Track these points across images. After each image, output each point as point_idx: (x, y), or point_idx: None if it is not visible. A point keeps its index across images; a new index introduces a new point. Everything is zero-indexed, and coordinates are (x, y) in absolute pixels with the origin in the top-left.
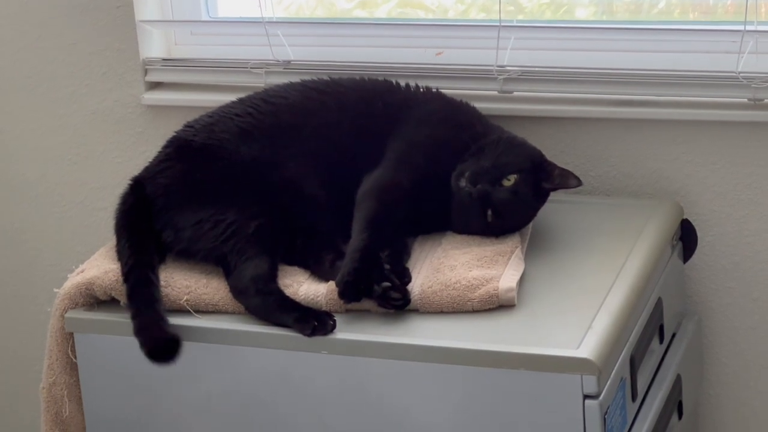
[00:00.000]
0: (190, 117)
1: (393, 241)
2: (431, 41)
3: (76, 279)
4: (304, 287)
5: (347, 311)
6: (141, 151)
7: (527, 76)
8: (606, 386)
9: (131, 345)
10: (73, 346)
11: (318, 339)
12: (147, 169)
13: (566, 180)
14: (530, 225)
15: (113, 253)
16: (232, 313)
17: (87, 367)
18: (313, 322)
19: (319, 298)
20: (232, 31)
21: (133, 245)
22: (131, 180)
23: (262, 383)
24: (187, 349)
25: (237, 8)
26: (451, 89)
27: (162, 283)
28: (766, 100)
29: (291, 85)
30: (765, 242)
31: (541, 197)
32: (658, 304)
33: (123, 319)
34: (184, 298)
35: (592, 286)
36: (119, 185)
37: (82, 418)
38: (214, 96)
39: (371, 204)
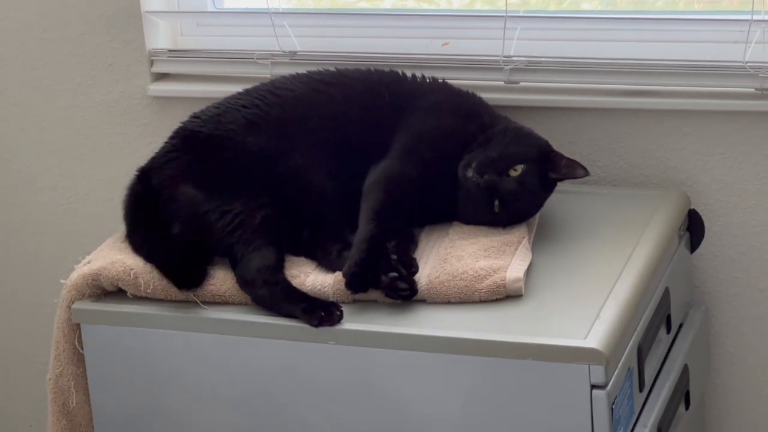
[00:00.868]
0: (197, 108)
1: (400, 231)
2: (437, 32)
3: (82, 270)
4: (311, 278)
5: (354, 302)
6: (147, 142)
7: (534, 67)
8: (613, 376)
9: (138, 336)
10: (79, 337)
11: (325, 329)
12: (153, 160)
13: (573, 170)
14: (537, 215)
15: (120, 244)
16: (239, 304)
17: (94, 358)
18: (320, 312)
19: (326, 289)
20: (238, 22)
21: (155, 237)
22: (138, 171)
23: (269, 374)
24: (194, 339)
25: None
26: (457, 80)
27: None
28: None
29: (297, 77)
30: None
31: (548, 187)
32: (666, 294)
33: (130, 310)
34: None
35: (599, 276)
36: (125, 176)
37: (88, 409)
38: (220, 87)
39: (378, 195)
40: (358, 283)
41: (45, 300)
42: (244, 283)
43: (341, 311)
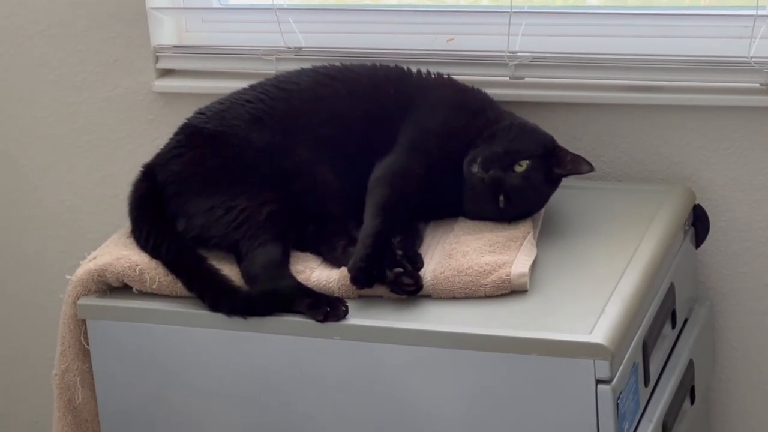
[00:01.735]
0: (201, 104)
1: (405, 226)
2: (442, 27)
3: (88, 266)
4: (316, 273)
5: (359, 297)
6: (152, 138)
7: (538, 62)
8: (618, 371)
9: (144, 331)
10: (85, 332)
11: (330, 325)
12: (158, 156)
13: (578, 165)
14: (542, 211)
15: (125, 240)
16: None
17: (99, 353)
18: (325, 307)
19: (331, 284)
20: (243, 18)
21: (161, 233)
22: (143, 167)
23: (275, 369)
24: (200, 335)
25: None
26: (462, 75)
27: None
28: None
29: (302, 72)
30: None
31: (553, 183)
32: (671, 289)
33: (135, 306)
34: None
35: (604, 271)
36: (130, 172)
37: (94, 405)
38: (225, 83)
39: (383, 190)
40: (363, 278)
41: (51, 296)
42: (249, 278)
43: (346, 306)
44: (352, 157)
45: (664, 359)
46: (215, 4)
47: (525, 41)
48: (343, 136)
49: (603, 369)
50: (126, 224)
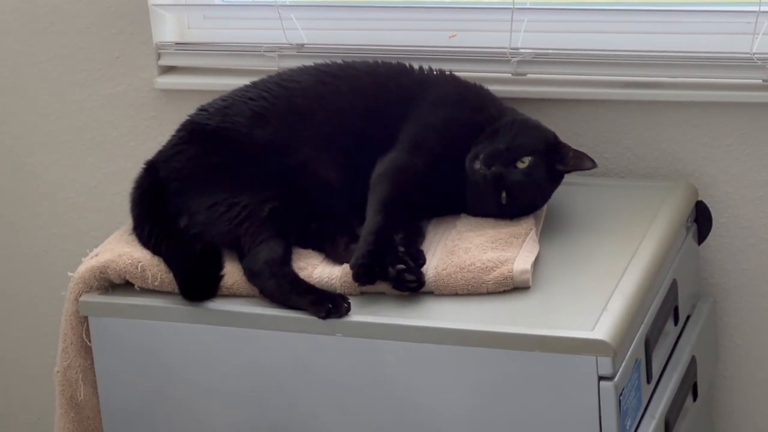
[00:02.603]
0: (204, 101)
1: (407, 223)
2: (444, 24)
3: (90, 263)
4: (318, 270)
5: (362, 294)
6: (154, 135)
7: (541, 59)
8: (621, 368)
9: (146, 328)
10: (87, 329)
11: (332, 321)
12: (161, 153)
13: (580, 162)
14: (545, 207)
15: (127, 237)
16: (247, 296)
17: (101, 350)
18: (327, 304)
19: (333, 281)
20: (245, 15)
21: (162, 229)
22: (145, 164)
23: (277, 366)
24: (202, 332)
25: None
26: (464, 72)
27: None
28: None
29: (304, 69)
30: None
31: (555, 179)
32: (673, 285)
33: (137, 303)
34: None
35: (606, 268)
36: (133, 170)
37: (96, 401)
38: (227, 80)
39: (385, 186)
40: (365, 275)
41: (53, 293)
42: (251, 275)
43: (349, 303)
44: (354, 154)
45: (667, 356)
46: (217, 1)
47: (527, 38)
48: (345, 133)
49: (605, 365)
50: (128, 221)
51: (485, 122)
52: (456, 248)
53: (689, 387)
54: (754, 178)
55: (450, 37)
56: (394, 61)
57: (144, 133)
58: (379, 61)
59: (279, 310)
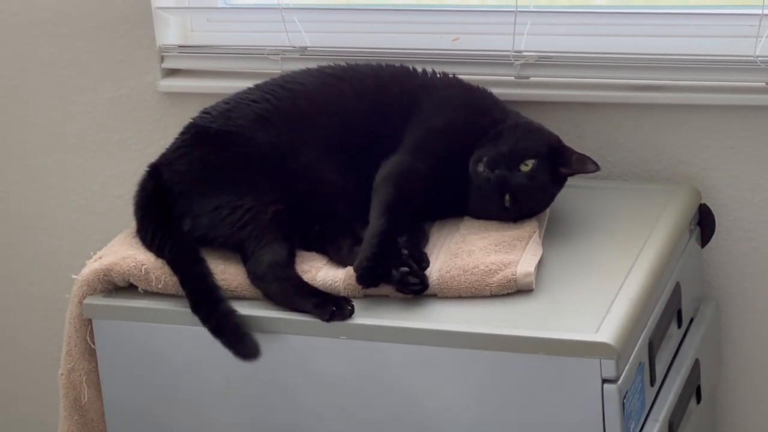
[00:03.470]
0: (207, 104)
1: (411, 226)
2: (448, 27)
3: (94, 265)
4: (322, 273)
5: (365, 296)
6: (158, 138)
7: (544, 62)
8: (624, 370)
9: (149, 331)
10: (91, 332)
11: (336, 324)
12: (164, 156)
13: (584, 165)
14: (548, 210)
15: (131, 239)
16: (250, 299)
17: (105, 353)
18: (331, 307)
19: (337, 284)
20: (248, 18)
21: (165, 233)
22: (148, 166)
23: (281, 368)
24: (205, 334)
25: None
26: (467, 75)
27: None
28: None
29: (308, 72)
30: None
31: (558, 182)
32: (677, 288)
33: (141, 305)
34: None
35: (610, 270)
36: (136, 172)
37: (100, 404)
38: (230, 83)
39: (389, 189)
40: (369, 277)
41: (57, 295)
42: (255, 278)
43: (352, 306)
44: (358, 157)
45: (670, 358)
46: (220, 4)
47: (530, 41)
48: (349, 136)
49: (609, 368)
50: (132, 224)
51: (488, 125)
52: (459, 251)
53: (693, 390)
54: (757, 181)
55: (453, 40)
56: (397, 64)
57: (147, 136)
58: (383, 63)
59: (283, 312)
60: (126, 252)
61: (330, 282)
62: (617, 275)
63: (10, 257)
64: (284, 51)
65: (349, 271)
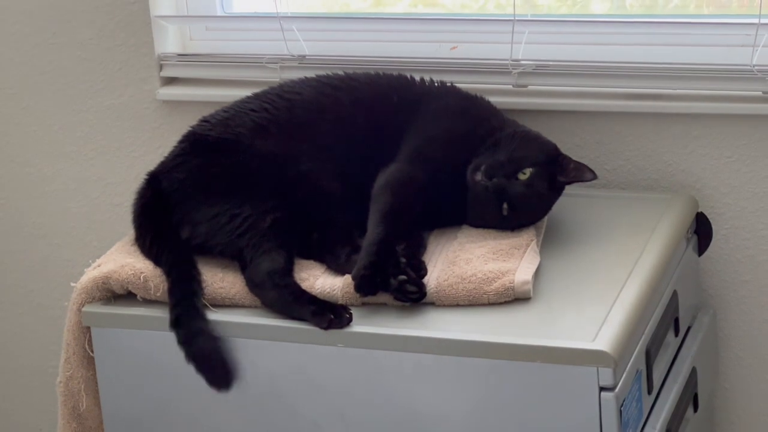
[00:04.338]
0: (206, 112)
1: (409, 234)
2: (446, 35)
3: (92, 273)
4: (320, 281)
5: (363, 304)
6: (156, 146)
7: (542, 70)
8: (622, 378)
9: (148, 338)
10: (89, 340)
11: (334, 332)
12: (163, 164)
13: (581, 173)
14: (546, 218)
15: (130, 248)
16: (249, 306)
17: (104, 360)
18: (329, 315)
19: (335, 292)
20: (246, 27)
21: (162, 241)
22: (147, 175)
23: (278, 376)
24: None
25: (252, 3)
26: (465, 83)
27: None
28: None
29: (306, 80)
30: None
31: (556, 191)
32: (674, 297)
33: (140, 313)
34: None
35: (607, 279)
36: (135, 180)
37: (99, 412)
38: (229, 91)
39: (387, 198)
40: (367, 285)
41: (55, 303)
42: (253, 285)
43: (350, 314)
44: (356, 165)
45: (668, 367)
46: (219, 13)
47: (528, 49)
48: (347, 144)
49: (606, 376)
50: (130, 232)
51: (486, 134)
52: (457, 259)
53: (690, 398)
54: (754, 190)
55: (451, 49)
56: (395, 73)
57: (146, 144)
58: (381, 72)
59: (281, 320)
60: (125, 260)
61: (328, 290)
62: (614, 283)
63: (8, 265)
64: (283, 60)
65: (347, 279)
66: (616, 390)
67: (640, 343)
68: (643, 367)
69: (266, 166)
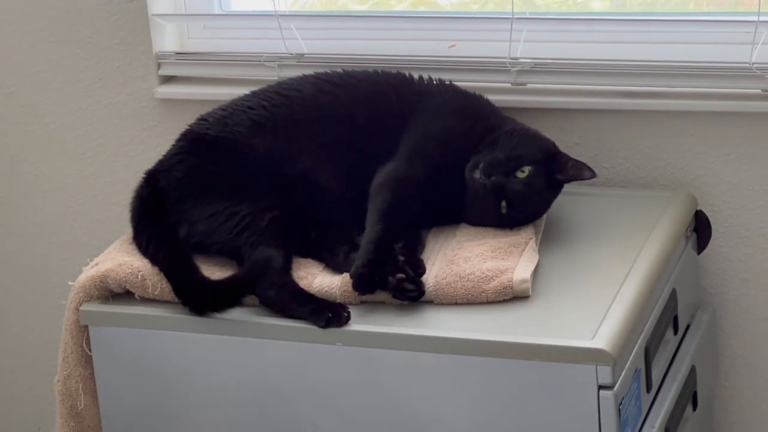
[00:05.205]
0: (204, 110)
1: (407, 232)
2: (444, 34)
3: (90, 272)
4: (318, 279)
5: (361, 303)
6: (154, 144)
7: (540, 68)
8: (621, 377)
9: (146, 337)
10: (87, 338)
11: (332, 331)
12: (161, 163)
13: (580, 171)
14: (544, 216)
15: (127, 246)
16: (247, 305)
17: (102, 359)
18: (327, 313)
19: (333, 290)
20: (245, 25)
21: (161, 239)
22: (145, 173)
23: (277, 375)
24: (202, 341)
25: (250, 1)
26: (464, 81)
27: None
28: None
29: (304, 78)
30: None
31: (554, 189)
32: (673, 295)
33: (138, 312)
34: None
35: (606, 277)
36: (133, 179)
37: (97, 411)
38: (227, 89)
39: (385, 196)
40: (365, 284)
41: (53, 302)
42: None
43: (349, 312)
44: (354, 163)
45: (667, 365)
46: (217, 11)
47: (527, 47)
48: (345, 143)
49: (605, 375)
50: (128, 230)
51: (485, 132)
52: (456, 257)
53: (689, 396)
54: (753, 188)
55: (450, 47)
56: (393, 71)
57: (144, 142)
58: (379, 70)
59: (279, 319)
60: (123, 259)
61: (326, 288)
62: (613, 282)
63: (6, 264)
64: (281, 58)
65: (346, 277)
66: (615, 388)
67: (639, 341)
68: (642, 366)
69: (264, 164)
